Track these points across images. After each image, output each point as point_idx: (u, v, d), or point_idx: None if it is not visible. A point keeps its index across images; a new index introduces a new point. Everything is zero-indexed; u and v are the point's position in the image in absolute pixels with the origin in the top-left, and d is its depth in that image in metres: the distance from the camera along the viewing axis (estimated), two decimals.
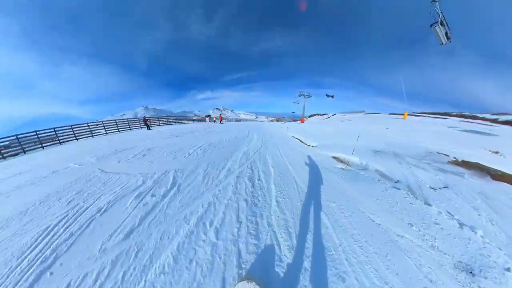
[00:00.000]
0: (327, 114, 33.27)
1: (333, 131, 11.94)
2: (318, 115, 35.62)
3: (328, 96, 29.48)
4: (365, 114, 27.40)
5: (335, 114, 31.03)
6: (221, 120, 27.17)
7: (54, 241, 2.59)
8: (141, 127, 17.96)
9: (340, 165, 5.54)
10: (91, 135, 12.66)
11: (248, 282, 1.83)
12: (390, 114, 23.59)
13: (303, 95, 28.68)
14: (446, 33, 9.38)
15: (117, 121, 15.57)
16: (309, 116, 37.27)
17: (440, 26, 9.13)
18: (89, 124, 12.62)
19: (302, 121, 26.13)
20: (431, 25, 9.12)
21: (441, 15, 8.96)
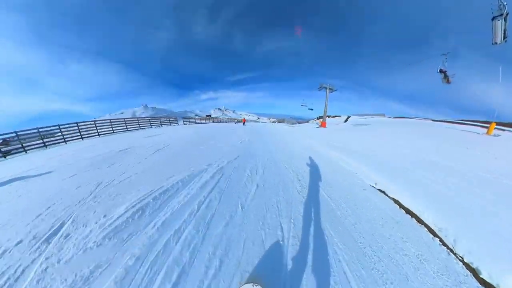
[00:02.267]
0: (339, 116, 30.43)
1: (420, 160, 5.64)
2: (328, 117, 33.03)
3: (440, 72, 13.06)
4: (389, 118, 22.96)
5: (349, 116, 28.07)
6: (244, 122, 29.41)
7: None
8: None
9: None
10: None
11: (253, 286, 1.70)
12: (435, 121, 17.18)
13: (325, 87, 21.83)
14: (504, 31, 8.31)
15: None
16: (317, 118, 35.01)
17: (503, 21, 8.08)
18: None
19: (324, 125, 20.21)
20: (492, 18, 8.11)
21: (506, 8, 7.87)
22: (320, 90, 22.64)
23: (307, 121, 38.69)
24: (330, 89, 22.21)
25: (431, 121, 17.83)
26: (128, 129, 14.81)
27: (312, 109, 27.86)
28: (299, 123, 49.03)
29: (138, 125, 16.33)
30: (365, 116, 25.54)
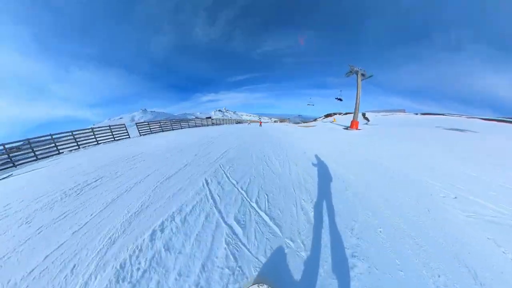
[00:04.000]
0: (350, 113, 27.97)
1: None
2: (338, 114, 30.80)
3: None
4: (417, 115, 18.38)
5: (365, 113, 25.80)
6: (260, 124, 30.04)
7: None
8: None
9: None
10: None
11: (258, 286, 1.59)
12: (484, 119, 13.19)
13: (356, 72, 15.36)
14: None
15: None
16: (326, 116, 33.08)
17: None
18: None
19: (355, 126, 14.52)
20: None
21: None
22: (348, 76, 16.03)
23: (315, 119, 36.75)
24: (363, 74, 15.52)
25: (479, 119, 13.14)
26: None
27: (341, 99, 21.77)
28: (304, 122, 47.12)
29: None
30: (382, 112, 23.43)
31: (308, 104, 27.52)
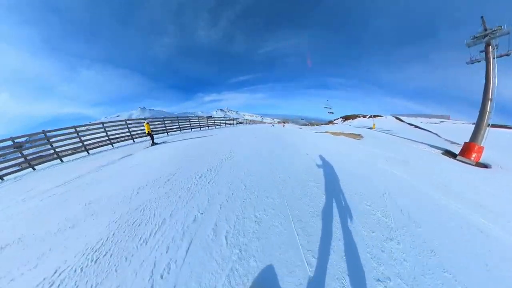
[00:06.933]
0: (379, 115, 24.17)
1: None
2: (362, 117, 26.70)
3: None
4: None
5: (399, 118, 21.11)
6: (283, 124, 30.81)
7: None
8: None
9: None
10: None
11: None
12: None
13: (489, 39, 7.90)
14: None
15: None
16: (344, 119, 29.38)
17: None
18: None
19: (477, 156, 7.39)
20: None
21: None
22: (471, 46, 8.72)
23: (330, 122, 33.42)
24: (496, 46, 8.11)
25: None
26: None
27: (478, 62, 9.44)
28: (313, 125, 43.65)
29: None
30: (421, 118, 19.45)
31: (324, 107, 25.08)
